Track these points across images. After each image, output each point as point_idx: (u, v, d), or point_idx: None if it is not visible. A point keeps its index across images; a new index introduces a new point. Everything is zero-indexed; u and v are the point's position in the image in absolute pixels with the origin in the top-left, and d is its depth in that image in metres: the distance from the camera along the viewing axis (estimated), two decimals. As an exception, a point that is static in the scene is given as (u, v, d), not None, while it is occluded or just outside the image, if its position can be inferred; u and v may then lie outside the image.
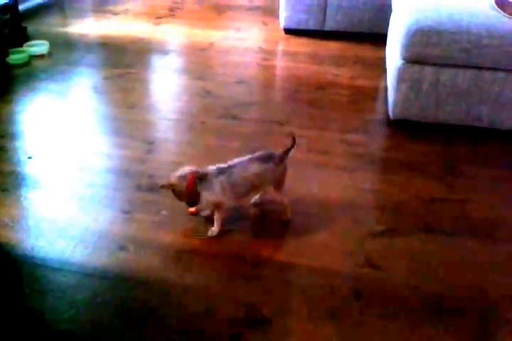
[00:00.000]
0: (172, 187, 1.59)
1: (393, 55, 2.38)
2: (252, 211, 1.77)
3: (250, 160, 1.61)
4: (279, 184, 1.65)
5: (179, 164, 2.01)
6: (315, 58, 3.17)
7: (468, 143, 2.24)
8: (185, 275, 1.49)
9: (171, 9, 4.09)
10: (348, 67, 3.02)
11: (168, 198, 1.78)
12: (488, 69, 2.12)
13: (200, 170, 1.59)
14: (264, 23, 3.82)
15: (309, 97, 2.65)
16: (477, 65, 2.12)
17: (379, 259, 1.56)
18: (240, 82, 2.82)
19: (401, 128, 2.33)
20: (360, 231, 1.68)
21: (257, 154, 1.63)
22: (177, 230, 1.67)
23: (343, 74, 2.92)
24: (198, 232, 1.66)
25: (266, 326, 1.33)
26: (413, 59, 2.17)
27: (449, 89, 2.19)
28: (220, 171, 1.58)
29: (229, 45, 3.37)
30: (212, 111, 2.48)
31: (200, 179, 1.56)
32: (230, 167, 1.59)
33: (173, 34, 3.59)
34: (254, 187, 1.64)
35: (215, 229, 1.64)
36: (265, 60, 3.16)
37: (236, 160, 1.62)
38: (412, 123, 2.32)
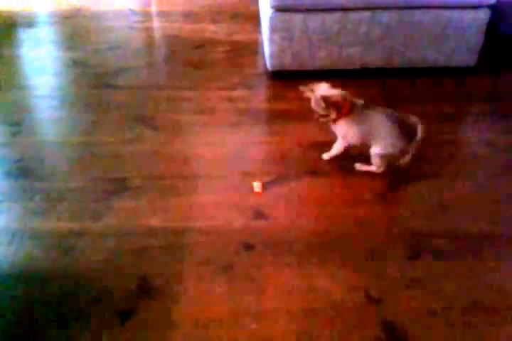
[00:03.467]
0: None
1: (264, 6, 2.34)
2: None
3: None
4: None
5: (49, 143, 1.89)
6: (190, 16, 3.05)
7: (344, 86, 2.28)
8: (70, 260, 1.40)
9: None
10: (225, 23, 2.94)
11: (41, 183, 1.66)
12: (354, 9, 2.15)
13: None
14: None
15: (188, 57, 2.55)
16: (342, 7, 2.13)
17: (268, 209, 1.57)
18: (112, 48, 2.64)
19: (280, 78, 2.32)
20: (249, 183, 1.68)
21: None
22: (55, 215, 1.56)
23: (221, 31, 2.84)
24: (83, 214, 1.57)
25: (160, 295, 1.29)
26: (281, 7, 2.14)
27: (319, 35, 2.19)
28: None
29: (97, 10, 3.13)
30: (83, 82, 2.32)
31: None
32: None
33: (36, 3, 3.26)
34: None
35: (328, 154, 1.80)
36: (138, 22, 2.98)
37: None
38: (291, 73, 2.32)
